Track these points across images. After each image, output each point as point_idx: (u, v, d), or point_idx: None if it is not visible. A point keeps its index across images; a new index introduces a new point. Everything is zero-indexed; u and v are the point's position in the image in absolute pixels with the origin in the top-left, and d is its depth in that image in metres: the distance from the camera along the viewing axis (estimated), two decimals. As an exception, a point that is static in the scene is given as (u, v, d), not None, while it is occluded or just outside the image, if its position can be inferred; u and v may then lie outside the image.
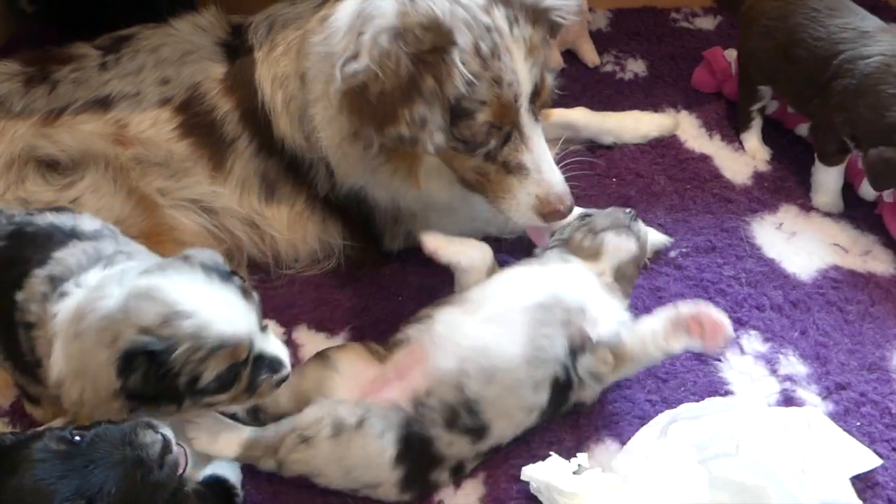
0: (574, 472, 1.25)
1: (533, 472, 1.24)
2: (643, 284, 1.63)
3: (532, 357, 1.24)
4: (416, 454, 1.24)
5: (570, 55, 2.28)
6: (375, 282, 1.67)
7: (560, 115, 1.95)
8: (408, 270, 1.68)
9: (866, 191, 1.77)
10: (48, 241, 1.22)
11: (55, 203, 1.49)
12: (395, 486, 1.24)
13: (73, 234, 1.24)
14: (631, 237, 1.42)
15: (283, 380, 1.15)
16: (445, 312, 1.34)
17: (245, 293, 1.13)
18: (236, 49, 1.62)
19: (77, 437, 0.98)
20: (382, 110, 1.27)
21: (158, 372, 1.03)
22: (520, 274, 1.39)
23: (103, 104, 1.58)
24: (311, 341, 1.61)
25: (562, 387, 1.27)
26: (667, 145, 1.98)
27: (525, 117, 1.35)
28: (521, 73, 1.31)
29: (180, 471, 1.04)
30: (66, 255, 1.18)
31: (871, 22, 1.70)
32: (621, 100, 2.11)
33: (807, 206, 1.80)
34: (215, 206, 1.65)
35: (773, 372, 1.47)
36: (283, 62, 1.56)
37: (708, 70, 2.12)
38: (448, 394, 1.24)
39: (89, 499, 0.93)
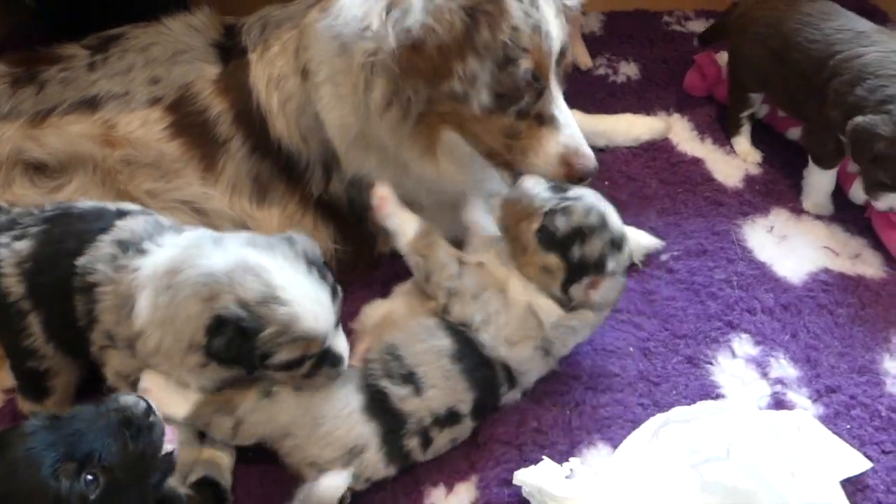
0: (566, 477, 1.25)
1: (525, 477, 1.23)
2: (635, 288, 1.63)
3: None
4: (380, 407, 1.25)
5: (562, 58, 2.28)
6: (367, 286, 1.66)
7: None
8: (400, 274, 1.66)
9: (856, 194, 1.78)
10: (102, 215, 1.30)
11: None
12: (379, 451, 1.23)
13: (122, 212, 1.31)
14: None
15: (338, 374, 1.25)
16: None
17: (334, 291, 1.21)
18: (230, 50, 1.61)
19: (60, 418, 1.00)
20: (438, 66, 1.32)
21: (241, 342, 1.12)
22: None
23: (91, 104, 1.56)
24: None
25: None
26: (659, 148, 1.98)
27: (554, 76, 1.39)
28: (554, 28, 1.35)
29: (171, 447, 1.05)
30: (129, 224, 1.27)
31: (865, 24, 1.72)
32: (614, 103, 2.12)
33: (798, 210, 1.81)
34: (206, 208, 1.63)
35: (764, 375, 1.48)
36: (279, 63, 1.55)
37: (699, 74, 2.13)
38: (378, 348, 1.33)
39: (80, 462, 0.93)
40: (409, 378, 1.27)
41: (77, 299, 1.23)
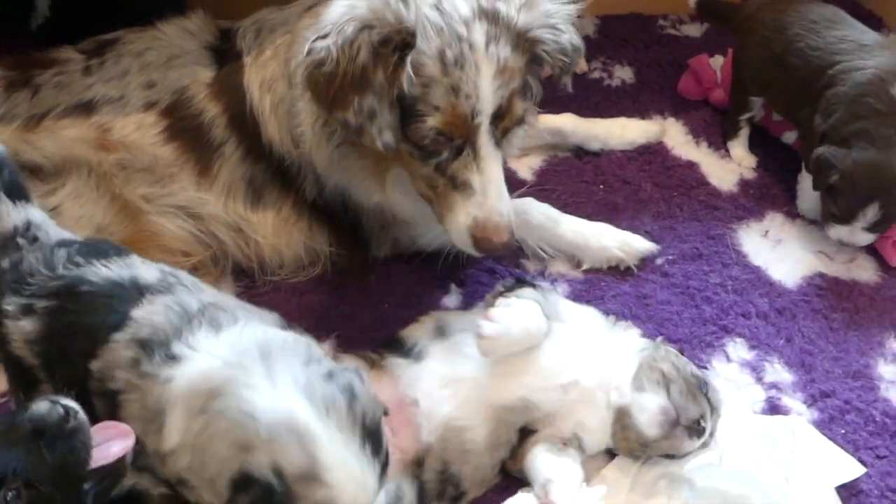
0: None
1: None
2: (630, 292, 1.63)
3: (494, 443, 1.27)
4: None
5: (557, 61, 2.28)
6: (362, 289, 1.66)
7: (547, 120, 1.95)
8: (394, 278, 1.67)
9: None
10: (114, 301, 1.12)
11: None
12: None
13: (138, 289, 1.14)
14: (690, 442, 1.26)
15: None
16: (434, 361, 1.30)
17: (384, 466, 1.04)
18: (224, 54, 1.61)
19: None
20: (335, 92, 1.29)
21: None
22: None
23: (86, 108, 1.56)
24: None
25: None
26: (654, 152, 1.98)
27: (483, 137, 1.33)
28: (484, 89, 1.29)
29: (121, 451, 0.99)
30: (149, 315, 1.09)
31: (869, 36, 1.72)
32: (609, 106, 2.12)
33: (792, 214, 1.81)
34: (201, 212, 1.63)
35: (759, 380, 1.48)
36: (272, 66, 1.55)
37: (693, 78, 2.13)
38: (436, 467, 1.25)
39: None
40: (457, 498, 1.27)
41: (96, 401, 1.09)
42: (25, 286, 1.15)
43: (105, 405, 1.08)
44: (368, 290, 1.67)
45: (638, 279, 1.67)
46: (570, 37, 1.40)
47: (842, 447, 1.31)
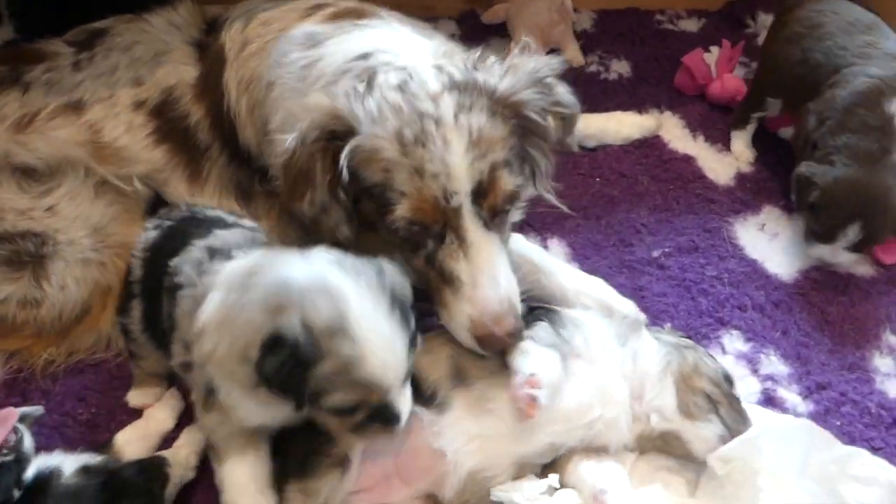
0: (542, 493, 1.19)
1: (503, 493, 1.19)
2: (626, 283, 1.63)
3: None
4: None
5: (554, 55, 2.27)
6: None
7: None
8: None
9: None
10: (213, 223, 1.31)
11: (30, 211, 1.46)
12: None
13: (236, 224, 1.34)
14: (716, 443, 1.24)
15: (390, 436, 1.11)
16: (459, 415, 1.20)
17: (413, 340, 1.07)
18: (208, 49, 1.56)
19: None
20: (290, 185, 1.24)
21: (295, 369, 0.98)
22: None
23: (76, 108, 1.53)
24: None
25: None
26: (651, 145, 1.98)
27: (468, 220, 1.18)
28: (456, 165, 1.14)
29: (11, 437, 1.07)
30: (227, 234, 1.26)
31: None
32: (605, 100, 2.11)
33: (789, 208, 1.80)
34: None
35: (755, 372, 1.48)
36: (253, 63, 1.48)
37: (689, 75, 2.13)
38: None
39: None
40: None
41: (164, 299, 1.21)
42: (166, 216, 1.40)
43: (168, 301, 1.19)
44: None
45: (634, 271, 1.67)
46: (563, 89, 1.31)
47: (838, 439, 1.31)
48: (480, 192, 1.18)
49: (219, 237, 1.24)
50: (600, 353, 1.26)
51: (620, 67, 2.23)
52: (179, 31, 1.60)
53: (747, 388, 1.44)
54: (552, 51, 2.27)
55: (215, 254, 1.18)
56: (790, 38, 1.78)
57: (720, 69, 2.10)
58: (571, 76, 2.17)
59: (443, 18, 2.44)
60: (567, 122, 1.33)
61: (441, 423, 1.18)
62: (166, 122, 1.55)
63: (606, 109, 2.04)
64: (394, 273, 1.09)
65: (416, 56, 1.28)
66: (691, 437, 1.22)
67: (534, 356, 1.17)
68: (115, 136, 1.53)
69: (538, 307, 1.31)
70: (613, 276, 1.64)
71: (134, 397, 1.41)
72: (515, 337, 1.19)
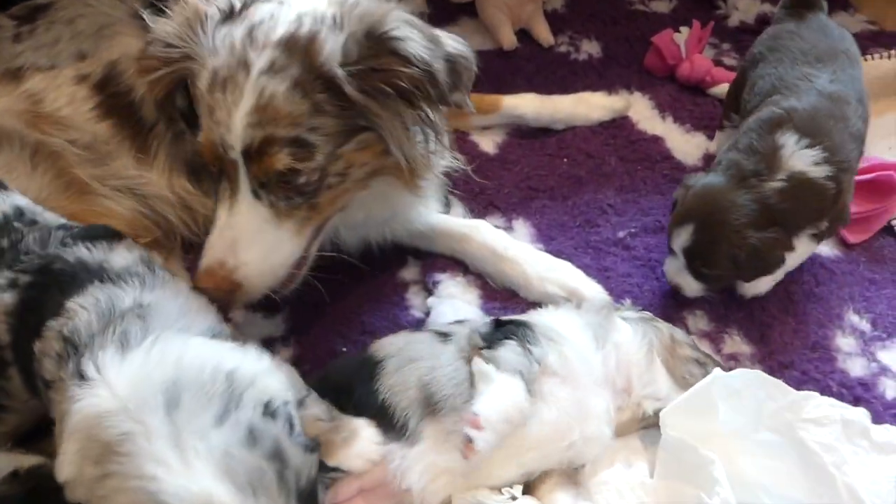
0: (506, 499, 1.15)
1: (465, 501, 1.14)
2: (591, 264, 1.60)
3: None
4: None
5: (524, 35, 2.25)
6: (314, 261, 1.61)
7: (510, 106, 1.92)
8: (347, 251, 1.62)
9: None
10: (70, 282, 1.09)
11: None
12: None
13: (97, 274, 1.09)
14: None
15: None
16: (427, 449, 1.11)
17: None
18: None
19: None
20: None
21: None
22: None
23: (15, 76, 1.48)
24: (248, 321, 1.55)
25: None
26: (619, 126, 1.96)
27: (241, 178, 1.20)
28: (234, 122, 1.15)
29: None
30: (78, 308, 1.03)
31: (842, 87, 1.50)
32: (575, 80, 2.09)
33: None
34: (145, 192, 1.55)
35: (718, 351, 1.46)
36: None
37: (658, 55, 2.11)
38: None
39: None
40: None
41: (39, 385, 1.05)
42: (18, 262, 1.14)
43: (43, 392, 1.03)
44: (322, 260, 1.61)
45: (599, 252, 1.65)
46: (416, 45, 1.17)
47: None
48: (250, 158, 1.18)
49: (70, 315, 1.02)
50: (577, 366, 1.19)
51: (591, 48, 2.20)
52: (123, 3, 1.54)
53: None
54: (522, 31, 2.24)
55: (69, 354, 0.98)
56: (753, 58, 1.68)
57: (690, 50, 2.08)
58: (541, 56, 2.19)
59: (412, -3, 2.39)
60: (431, 80, 1.18)
61: (409, 457, 1.10)
62: (110, 96, 1.49)
63: (576, 90, 2.01)
64: (294, 452, 0.89)
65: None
66: None
67: (494, 387, 1.09)
68: (57, 107, 1.48)
69: (510, 321, 1.24)
70: (579, 257, 1.62)
71: None
72: (228, 299, 1.23)
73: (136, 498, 0.82)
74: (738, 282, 1.51)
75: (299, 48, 1.16)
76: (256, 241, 1.23)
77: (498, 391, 1.09)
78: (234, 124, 1.16)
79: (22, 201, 1.26)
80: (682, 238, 1.43)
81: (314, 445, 0.94)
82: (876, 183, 1.67)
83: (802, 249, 1.47)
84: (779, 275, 1.51)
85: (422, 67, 1.16)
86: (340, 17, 1.18)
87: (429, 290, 1.58)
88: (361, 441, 1.07)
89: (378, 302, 1.57)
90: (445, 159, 1.42)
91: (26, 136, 1.45)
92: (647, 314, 1.35)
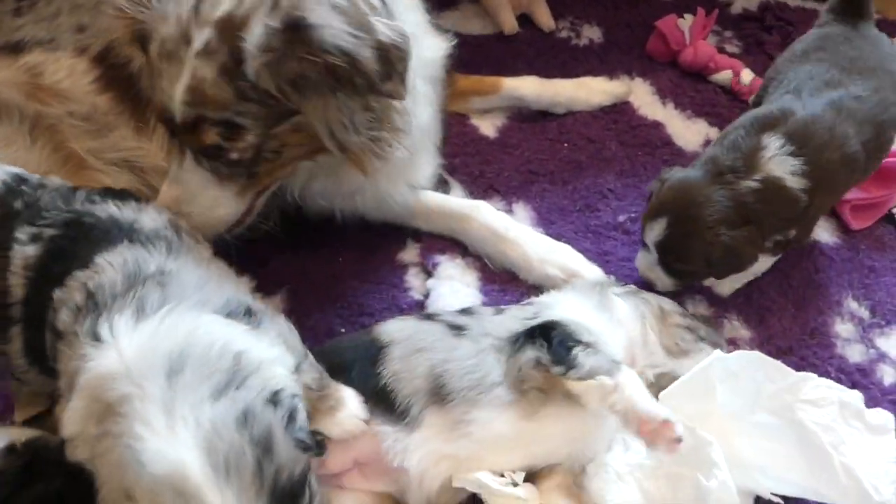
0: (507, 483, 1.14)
1: (465, 482, 1.13)
2: (591, 248, 1.60)
3: None
4: None
5: (525, 19, 2.23)
6: (314, 242, 1.60)
7: (510, 87, 1.91)
8: (349, 231, 1.61)
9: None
10: (101, 238, 1.09)
11: None
12: None
13: (128, 233, 1.10)
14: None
15: None
16: (430, 434, 1.11)
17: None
18: None
19: None
20: None
21: None
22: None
23: (15, 49, 1.47)
24: (246, 302, 1.54)
25: None
26: (620, 111, 1.95)
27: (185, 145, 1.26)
28: (174, 95, 1.19)
29: None
30: (107, 265, 1.04)
31: (864, 105, 1.43)
32: (576, 65, 2.07)
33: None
34: (143, 165, 1.55)
35: (716, 335, 1.46)
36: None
37: (662, 40, 2.09)
38: None
39: None
40: None
41: (48, 335, 1.05)
42: (40, 218, 1.14)
43: (51, 343, 1.03)
44: (321, 243, 1.61)
45: (599, 236, 1.64)
46: (331, 31, 1.12)
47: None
48: (186, 131, 1.22)
49: (99, 270, 1.03)
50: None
51: (592, 33, 2.19)
52: None
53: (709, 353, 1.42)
54: (523, 16, 2.23)
55: (88, 310, 0.98)
56: (794, 54, 1.59)
57: (694, 36, 2.07)
58: (542, 41, 2.17)
59: (412, -20, 2.37)
60: (355, 68, 1.13)
61: (408, 442, 1.10)
62: (109, 68, 1.49)
63: (577, 75, 2.00)
64: (284, 445, 0.87)
65: None
66: (686, 371, 1.22)
67: (631, 388, 1.06)
68: (57, 80, 1.47)
69: (542, 327, 1.17)
70: (578, 241, 1.62)
71: (22, 414, 1.29)
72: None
73: (121, 456, 0.84)
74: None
75: (230, 31, 1.15)
76: (199, 197, 1.29)
77: (637, 389, 1.07)
78: (174, 96, 1.19)
79: (16, 169, 1.25)
80: (655, 232, 1.41)
81: (310, 446, 0.92)
82: (883, 170, 1.65)
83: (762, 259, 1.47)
84: (744, 278, 1.51)
85: (340, 56, 1.12)
86: (260, 12, 1.14)
87: (428, 272, 1.57)
88: (345, 410, 1.08)
89: (377, 284, 1.56)
90: (403, 141, 1.35)
91: (25, 108, 1.45)
92: (633, 287, 1.37)
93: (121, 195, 1.23)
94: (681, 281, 1.46)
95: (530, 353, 1.13)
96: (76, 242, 1.10)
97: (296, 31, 1.12)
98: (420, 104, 1.44)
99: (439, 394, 1.12)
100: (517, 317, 1.23)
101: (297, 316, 1.50)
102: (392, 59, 1.18)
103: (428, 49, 1.51)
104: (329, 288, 1.56)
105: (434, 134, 1.60)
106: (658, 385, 1.23)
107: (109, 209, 1.16)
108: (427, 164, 1.59)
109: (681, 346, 1.28)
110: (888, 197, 1.66)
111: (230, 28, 1.15)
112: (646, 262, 1.47)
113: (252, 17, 1.14)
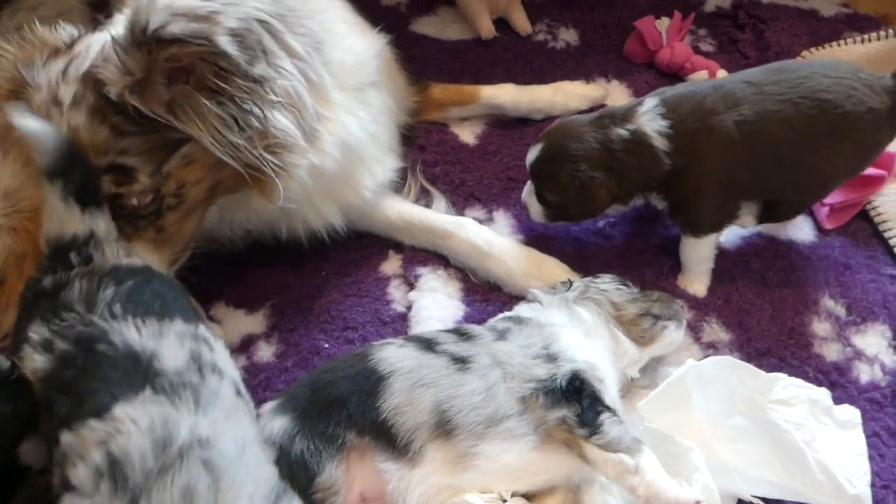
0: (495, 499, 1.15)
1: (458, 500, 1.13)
2: (571, 254, 1.61)
3: None
4: None
5: (502, 23, 2.24)
6: (296, 257, 1.60)
7: (488, 96, 1.91)
8: (330, 245, 1.61)
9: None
10: (119, 379, 0.97)
11: None
12: None
13: (150, 377, 0.97)
14: (682, 332, 1.39)
15: None
16: (432, 470, 1.10)
17: None
18: (102, 8, 1.51)
19: None
20: None
21: None
22: None
23: None
24: (230, 318, 1.55)
25: None
26: (597, 115, 1.96)
27: None
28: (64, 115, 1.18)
29: None
30: (129, 421, 0.91)
31: (747, 92, 1.44)
32: (552, 69, 2.08)
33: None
34: None
35: (697, 339, 1.48)
36: None
37: (639, 41, 2.11)
38: None
39: None
40: None
41: (55, 473, 0.95)
42: (57, 318, 1.04)
43: (58, 488, 0.92)
44: (303, 257, 1.61)
45: (580, 242, 1.66)
46: (182, 23, 1.12)
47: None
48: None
49: (117, 428, 0.92)
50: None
51: (568, 36, 2.20)
52: None
53: (690, 357, 1.44)
54: (500, 20, 2.23)
55: (119, 477, 0.88)
56: None
57: (670, 37, 2.08)
58: (519, 45, 2.18)
59: (389, -14, 2.37)
60: (216, 53, 1.13)
61: (410, 478, 1.09)
62: None
63: (554, 79, 2.01)
64: None
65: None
66: (661, 351, 1.36)
67: (654, 475, 1.05)
68: None
69: (574, 386, 1.14)
70: (559, 248, 1.63)
71: None
72: None
73: None
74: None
75: (91, 77, 1.16)
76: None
77: (658, 473, 1.06)
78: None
79: (102, 228, 1.17)
80: (530, 156, 1.53)
81: None
82: (863, 176, 1.66)
83: (688, 248, 1.54)
84: (703, 265, 1.55)
85: (196, 42, 1.11)
86: (106, 45, 1.17)
87: (410, 284, 1.58)
88: None
89: (360, 297, 1.57)
90: (306, 157, 1.31)
91: None
92: (579, 285, 1.37)
93: (140, 306, 1.07)
94: (549, 212, 1.55)
95: (559, 413, 1.12)
96: (88, 376, 0.98)
97: (146, 39, 1.12)
98: (340, 113, 1.41)
99: (444, 428, 1.11)
100: (528, 352, 1.20)
101: (281, 332, 1.53)
102: (249, 42, 1.17)
103: (348, 53, 1.48)
104: (312, 301, 1.56)
105: (382, 140, 1.59)
106: (648, 380, 1.28)
107: (128, 334, 1.02)
108: (372, 173, 1.56)
109: (644, 336, 1.32)
110: (864, 198, 1.68)
111: (91, 75, 1.17)
112: (528, 189, 1.58)
113: (103, 58, 1.16)
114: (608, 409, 1.13)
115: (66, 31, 1.27)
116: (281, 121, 1.23)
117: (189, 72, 1.15)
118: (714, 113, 1.43)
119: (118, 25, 1.23)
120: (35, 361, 1.02)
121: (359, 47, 1.54)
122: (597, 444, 1.09)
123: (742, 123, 1.42)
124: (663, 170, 1.45)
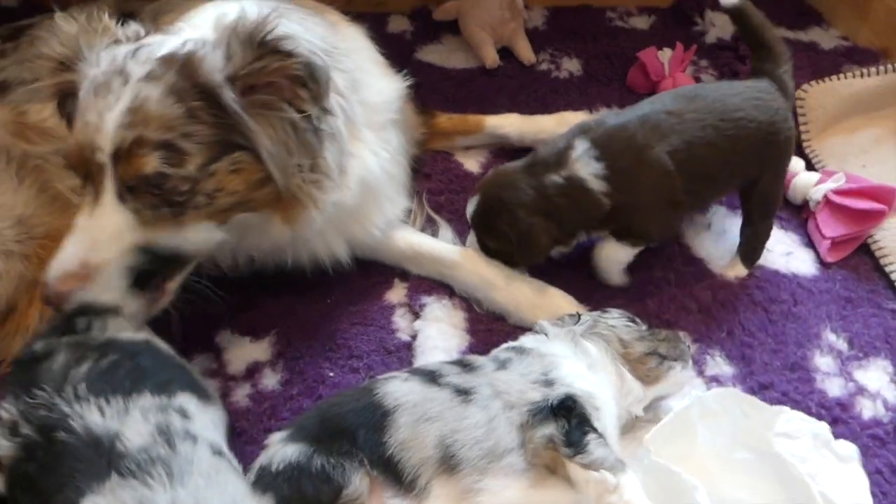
0: None
1: None
2: (574, 285, 1.62)
3: None
4: None
5: (506, 53, 2.27)
6: (302, 283, 1.61)
7: (493, 126, 1.94)
8: (336, 271, 1.62)
9: (793, 195, 1.83)
10: (83, 469, 0.92)
11: None
12: None
13: (113, 462, 0.93)
14: (688, 372, 1.38)
15: None
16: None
17: None
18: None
19: None
20: None
21: None
22: None
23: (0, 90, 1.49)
24: (235, 345, 1.55)
25: None
26: (600, 145, 1.97)
27: (106, 181, 1.19)
28: (107, 122, 1.15)
29: None
30: None
31: (671, 121, 1.50)
32: (556, 98, 2.11)
33: (734, 206, 1.82)
34: None
35: (700, 373, 1.48)
36: None
37: (642, 71, 2.14)
38: None
39: None
40: None
41: None
42: (27, 397, 1.00)
43: None
44: (309, 284, 1.62)
45: (581, 274, 1.66)
46: (299, 42, 1.21)
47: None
48: (119, 159, 1.17)
49: None
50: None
51: (571, 65, 2.23)
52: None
53: (693, 390, 1.45)
54: (503, 49, 2.26)
55: None
56: None
57: (673, 68, 2.11)
58: (522, 74, 2.21)
59: (395, 14, 2.41)
60: (311, 75, 1.21)
61: None
62: None
63: (557, 108, 2.03)
64: None
65: (198, 24, 1.30)
66: (666, 391, 1.35)
67: (631, 493, 1.05)
68: (42, 118, 1.49)
69: (563, 407, 1.15)
70: (563, 275, 1.64)
71: None
72: (60, 300, 1.16)
73: None
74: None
75: (177, 61, 1.19)
76: (115, 243, 1.20)
77: (636, 496, 1.05)
78: (105, 125, 1.16)
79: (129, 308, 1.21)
80: (469, 207, 1.57)
81: None
82: (862, 210, 1.69)
83: (611, 250, 1.58)
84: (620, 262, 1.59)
85: (298, 62, 1.19)
86: (220, 36, 1.22)
87: (415, 313, 1.59)
88: None
89: (365, 325, 1.57)
90: (333, 192, 1.35)
91: (13, 148, 1.46)
92: (588, 319, 1.37)
93: (107, 384, 1.03)
94: (496, 259, 1.58)
95: (546, 431, 1.12)
96: (50, 470, 0.93)
97: (263, 39, 1.18)
98: (365, 151, 1.46)
99: (448, 463, 1.10)
100: (527, 378, 1.20)
101: (286, 359, 1.53)
102: (327, 74, 1.26)
103: (377, 93, 1.54)
104: (318, 329, 1.57)
105: (396, 179, 1.63)
106: (654, 415, 1.27)
107: (90, 417, 0.97)
108: (383, 211, 1.59)
109: (650, 374, 1.31)
110: (865, 232, 1.70)
111: (176, 58, 1.19)
112: (470, 239, 1.63)
113: (200, 51, 1.20)
114: (595, 431, 1.12)
115: (131, 27, 1.31)
116: (330, 153, 1.29)
117: (274, 87, 1.20)
118: (647, 148, 1.48)
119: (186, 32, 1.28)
120: (2, 448, 0.98)
121: (386, 87, 1.58)
122: (580, 463, 1.08)
123: (673, 153, 1.48)
124: (604, 210, 1.49)
